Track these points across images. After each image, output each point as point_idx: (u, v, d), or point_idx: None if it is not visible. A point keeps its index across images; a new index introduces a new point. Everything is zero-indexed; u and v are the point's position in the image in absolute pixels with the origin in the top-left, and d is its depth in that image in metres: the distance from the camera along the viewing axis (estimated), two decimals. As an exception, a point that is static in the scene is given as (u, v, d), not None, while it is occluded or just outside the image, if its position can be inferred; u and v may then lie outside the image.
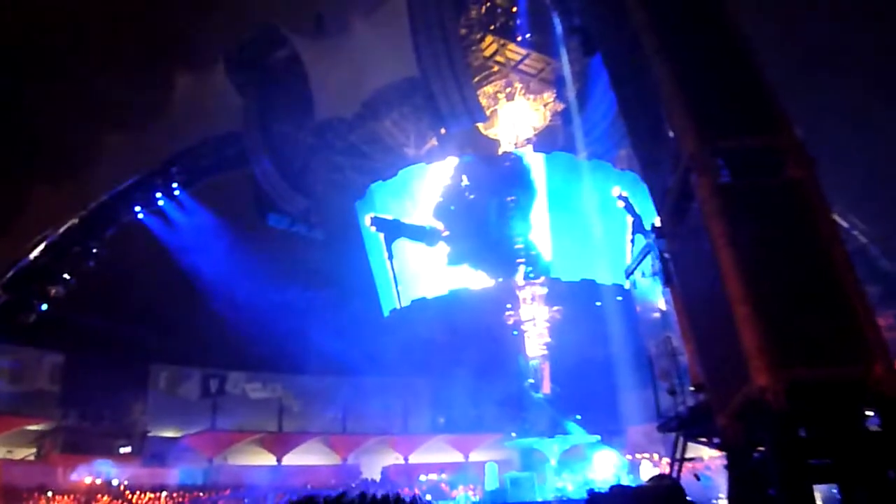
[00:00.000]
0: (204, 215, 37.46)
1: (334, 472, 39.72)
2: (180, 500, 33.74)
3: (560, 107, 37.25)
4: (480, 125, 36.26)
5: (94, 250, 35.68)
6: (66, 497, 31.49)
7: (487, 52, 36.00)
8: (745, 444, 9.44)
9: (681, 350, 13.88)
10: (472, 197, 33.86)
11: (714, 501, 21.37)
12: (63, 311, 35.42)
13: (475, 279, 34.33)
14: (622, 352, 34.67)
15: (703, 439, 12.74)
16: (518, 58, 36.24)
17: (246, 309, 35.90)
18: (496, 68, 36.56)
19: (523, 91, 37.16)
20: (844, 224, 33.40)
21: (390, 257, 36.16)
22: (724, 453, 10.57)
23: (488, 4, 35.00)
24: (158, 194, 36.80)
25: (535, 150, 36.08)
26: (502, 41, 35.60)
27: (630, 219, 35.01)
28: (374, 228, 36.25)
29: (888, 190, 32.21)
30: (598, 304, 36.49)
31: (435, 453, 42.19)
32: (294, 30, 34.44)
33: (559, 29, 31.90)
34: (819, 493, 8.98)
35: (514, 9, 35.03)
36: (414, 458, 42.00)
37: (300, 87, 34.01)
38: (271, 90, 35.51)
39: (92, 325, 36.13)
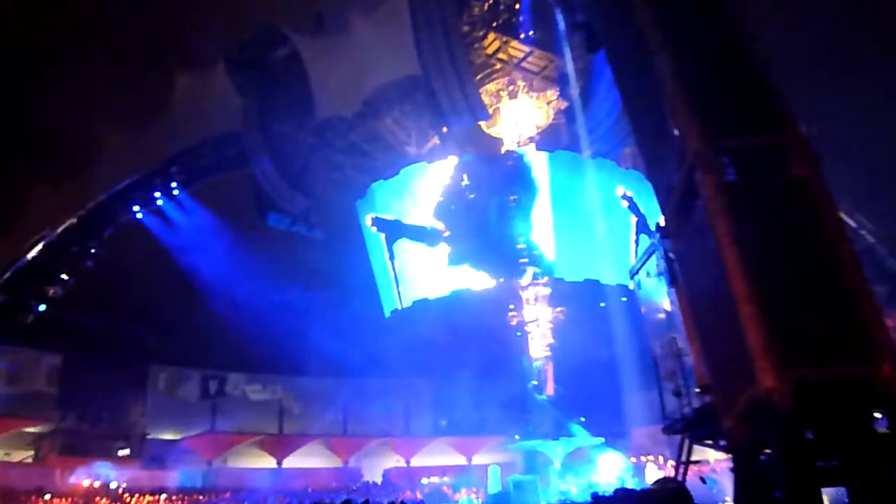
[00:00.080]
0: (203, 215, 37.27)
1: (335, 475, 39.70)
2: (179, 503, 33.59)
3: (563, 105, 37.06)
4: (483, 124, 36.11)
5: (93, 250, 35.53)
6: (64, 500, 31.49)
7: (490, 50, 35.80)
8: (752, 446, 9.33)
9: (686, 351, 13.68)
10: (473, 196, 33.71)
11: (720, 505, 21.03)
12: (61, 311, 35.29)
13: (477, 279, 34.20)
14: (626, 353, 34.28)
15: (709, 441, 12.63)
16: (521, 55, 36.08)
17: (246, 309, 35.70)
18: (498, 66, 36.42)
19: (526, 89, 36.97)
20: (851, 223, 32.98)
21: (391, 258, 36.09)
22: (730, 455, 10.40)
23: (490, 1, 34.74)
24: (157, 194, 36.63)
25: (537, 149, 35.93)
26: (505, 38, 35.38)
27: (634, 218, 34.95)
28: (374, 229, 36.20)
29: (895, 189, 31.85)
30: (602, 304, 36.17)
31: (437, 456, 42.05)
32: (294, 28, 34.22)
33: (562, 26, 31.70)
34: (827, 496, 8.77)
35: (517, 5, 34.75)
36: (416, 461, 41.90)
37: (300, 86, 33.74)
38: (271, 89, 35.35)
39: (90, 326, 35.98)
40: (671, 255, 13.51)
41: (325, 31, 34.73)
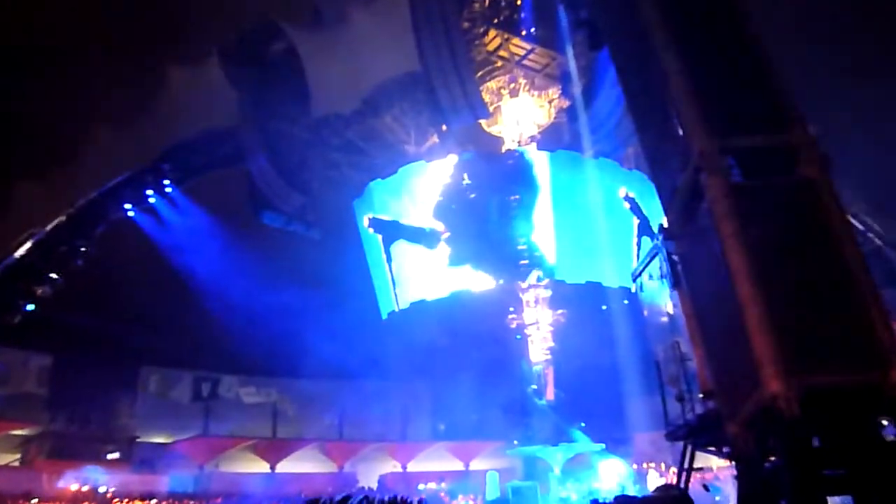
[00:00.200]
0: (197, 213, 36.61)
1: (330, 481, 39.49)
2: (170, 508, 33.05)
3: (565, 103, 36.75)
4: (483, 122, 36.01)
5: (83, 248, 34.69)
6: (51, 505, 30.75)
7: (491, 47, 35.51)
8: (757, 453, 9.21)
9: (689, 355, 13.43)
10: (473, 196, 33.57)
11: (724, 513, 20.95)
12: (50, 311, 34.60)
13: (477, 281, 33.96)
14: (628, 357, 33.97)
15: (713, 448, 12.45)
16: (522, 52, 35.77)
17: (240, 310, 35.44)
18: (500, 63, 36.12)
19: (528, 87, 36.68)
20: (859, 225, 32.68)
21: (388, 260, 35.64)
22: (734, 463, 10.32)
23: (492, -3, 34.34)
24: (149, 191, 35.75)
25: (539, 148, 35.72)
26: (506, 35, 35.11)
27: (636, 220, 34.54)
28: (371, 230, 35.86)
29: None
30: (604, 307, 36.10)
31: (434, 461, 41.97)
32: (290, 21, 33.70)
33: (565, 22, 31.46)
34: (833, 505, 8.83)
35: (519, 2, 34.67)
36: (413, 466, 41.82)
37: (297, 81, 33.25)
38: (267, 85, 34.83)
39: (80, 326, 35.57)
40: (675, 257, 13.43)
41: (323, 25, 34.22)
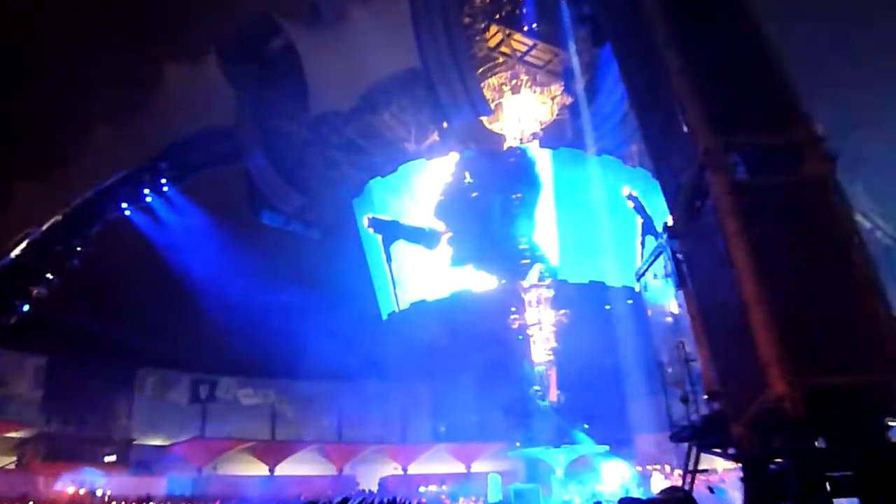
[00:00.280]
0: (194, 212, 36.29)
1: (329, 483, 39.60)
2: (167, 511, 32.90)
3: (568, 100, 36.50)
4: (484, 119, 35.80)
5: (79, 248, 34.38)
6: (47, 507, 30.74)
7: (492, 43, 35.28)
8: (762, 455, 9.20)
9: (694, 356, 13.34)
10: (475, 195, 33.30)
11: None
12: (46, 312, 34.38)
13: (478, 281, 33.69)
14: (632, 357, 33.86)
15: (718, 450, 12.29)
16: (524, 48, 35.49)
17: (238, 310, 35.30)
18: (501, 59, 35.89)
19: (529, 83, 36.42)
20: (866, 224, 32.37)
21: (388, 260, 35.35)
22: (739, 465, 10.19)
23: (493, -8, 34.04)
24: (146, 190, 35.37)
25: (541, 146, 35.29)
26: (508, 31, 34.83)
27: (640, 219, 34.17)
28: (371, 230, 35.58)
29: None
30: (607, 307, 35.94)
31: (435, 463, 41.90)
32: (288, 18, 33.40)
33: (567, 18, 31.25)
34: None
35: (521, -4, 34.09)
36: (413, 469, 41.70)
37: (295, 78, 32.97)
38: (265, 82, 34.57)
39: (76, 327, 35.48)
40: (679, 256, 13.33)
41: (321, 21, 33.94)
